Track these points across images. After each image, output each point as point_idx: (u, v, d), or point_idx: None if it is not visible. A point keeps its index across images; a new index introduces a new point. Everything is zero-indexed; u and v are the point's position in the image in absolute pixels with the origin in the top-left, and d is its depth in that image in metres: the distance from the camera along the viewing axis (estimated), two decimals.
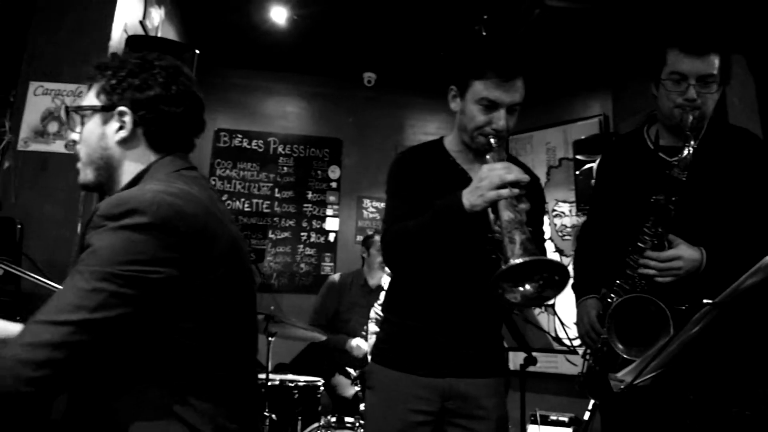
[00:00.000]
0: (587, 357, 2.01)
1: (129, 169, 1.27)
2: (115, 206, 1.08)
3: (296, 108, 5.66)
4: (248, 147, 5.45)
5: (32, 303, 2.32)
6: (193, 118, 1.32)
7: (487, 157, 1.72)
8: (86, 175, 1.30)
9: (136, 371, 1.10)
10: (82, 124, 1.29)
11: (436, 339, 1.81)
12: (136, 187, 1.19)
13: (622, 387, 1.35)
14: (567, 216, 5.20)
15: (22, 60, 3.06)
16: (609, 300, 1.87)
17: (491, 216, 1.58)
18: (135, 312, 1.04)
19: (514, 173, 1.55)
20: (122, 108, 1.25)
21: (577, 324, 2.04)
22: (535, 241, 1.48)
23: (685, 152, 1.74)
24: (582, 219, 4.95)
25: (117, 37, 3.26)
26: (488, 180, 1.55)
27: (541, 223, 2.00)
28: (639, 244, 1.79)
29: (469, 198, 1.58)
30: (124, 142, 1.27)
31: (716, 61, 1.78)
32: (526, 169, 1.85)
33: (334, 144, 5.60)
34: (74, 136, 1.31)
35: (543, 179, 5.43)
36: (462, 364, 1.81)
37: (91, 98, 1.28)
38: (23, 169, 2.94)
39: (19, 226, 2.56)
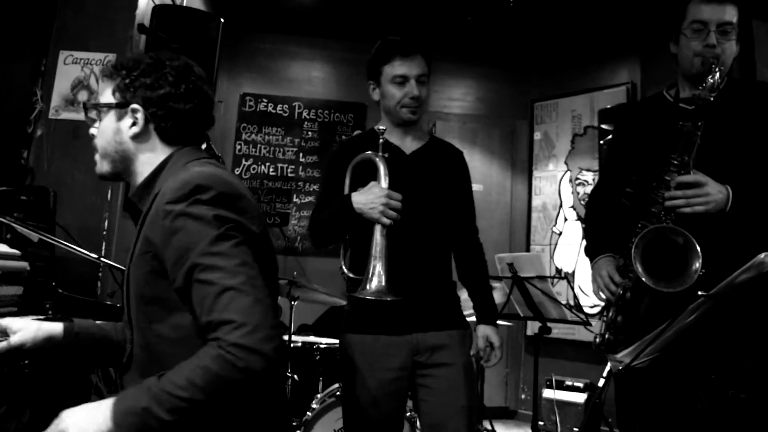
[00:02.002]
0: (604, 316, 1.93)
1: (147, 161, 1.36)
2: (180, 189, 1.19)
3: (321, 72, 5.67)
4: (273, 111, 5.49)
5: (66, 267, 2.47)
6: (201, 114, 1.39)
7: (380, 168, 1.96)
8: (102, 166, 1.40)
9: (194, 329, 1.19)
10: (99, 119, 1.38)
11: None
12: (182, 171, 1.26)
13: (621, 368, 1.41)
14: (590, 185, 5.17)
15: (52, 29, 3.13)
16: (630, 245, 1.81)
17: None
18: (253, 254, 1.18)
19: (393, 208, 1.89)
20: (135, 105, 1.33)
21: (593, 281, 2.00)
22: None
23: (710, 79, 1.75)
24: None
25: (144, 5, 3.30)
26: (376, 204, 1.88)
27: (470, 192, 2.25)
28: (665, 177, 1.77)
29: (360, 205, 1.90)
30: (137, 137, 1.35)
31: (734, 12, 1.83)
32: (447, 148, 2.27)
33: (359, 109, 5.61)
34: (93, 130, 1.40)
35: (567, 147, 5.40)
36: (426, 318, 1.98)
37: (107, 96, 1.37)
38: (55, 138, 3.04)
39: (52, 194, 2.67)
